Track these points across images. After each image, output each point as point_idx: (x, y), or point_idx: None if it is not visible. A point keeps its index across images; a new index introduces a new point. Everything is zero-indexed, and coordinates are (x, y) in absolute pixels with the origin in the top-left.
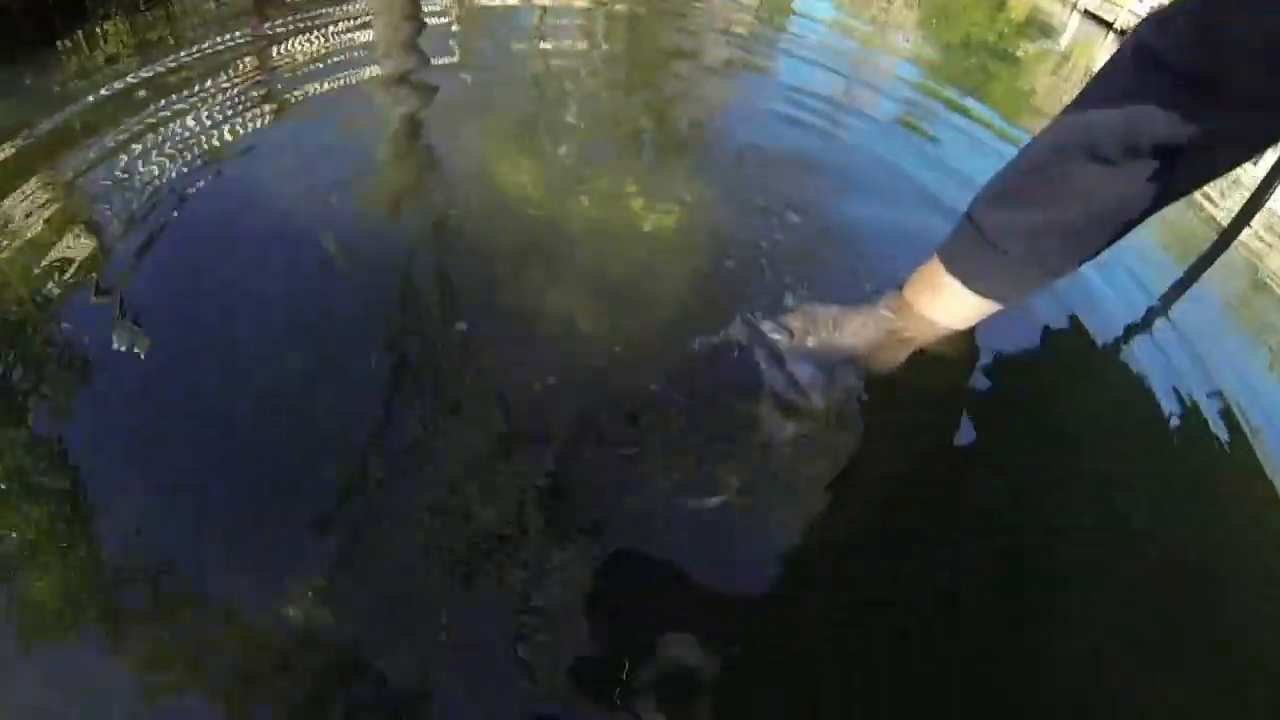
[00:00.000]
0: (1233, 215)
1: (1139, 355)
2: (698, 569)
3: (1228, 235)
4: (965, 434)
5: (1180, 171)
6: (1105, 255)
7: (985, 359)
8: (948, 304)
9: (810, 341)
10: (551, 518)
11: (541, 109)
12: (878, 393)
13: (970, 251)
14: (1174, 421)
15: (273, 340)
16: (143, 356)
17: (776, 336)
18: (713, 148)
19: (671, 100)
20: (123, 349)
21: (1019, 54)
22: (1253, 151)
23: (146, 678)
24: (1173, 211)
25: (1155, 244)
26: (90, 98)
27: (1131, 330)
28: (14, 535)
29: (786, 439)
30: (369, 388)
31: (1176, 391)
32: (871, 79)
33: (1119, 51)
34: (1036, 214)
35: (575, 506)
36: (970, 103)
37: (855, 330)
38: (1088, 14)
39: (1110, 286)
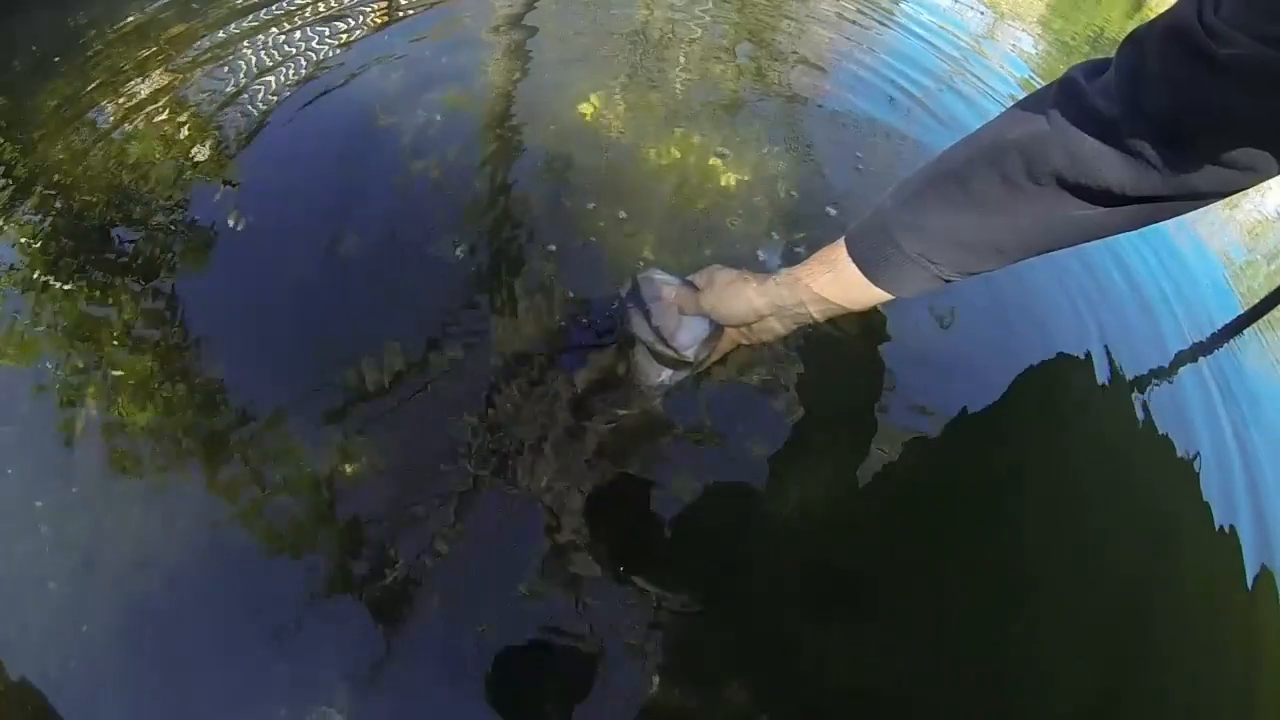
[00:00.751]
0: None
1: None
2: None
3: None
4: (830, 403)
5: (1080, 211)
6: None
7: (872, 346)
8: (843, 284)
9: (705, 300)
10: (567, 431)
11: (642, 54)
12: (754, 358)
13: (871, 240)
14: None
15: (361, 231)
16: (247, 236)
17: (670, 293)
18: (804, 117)
19: (774, 60)
20: (231, 228)
21: None
22: (1156, 217)
23: (215, 497)
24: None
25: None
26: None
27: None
28: (125, 375)
29: (657, 385)
30: (433, 282)
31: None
32: (985, 65)
33: (1052, 82)
34: (935, 217)
35: (582, 421)
36: None
37: (748, 296)
38: None
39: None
